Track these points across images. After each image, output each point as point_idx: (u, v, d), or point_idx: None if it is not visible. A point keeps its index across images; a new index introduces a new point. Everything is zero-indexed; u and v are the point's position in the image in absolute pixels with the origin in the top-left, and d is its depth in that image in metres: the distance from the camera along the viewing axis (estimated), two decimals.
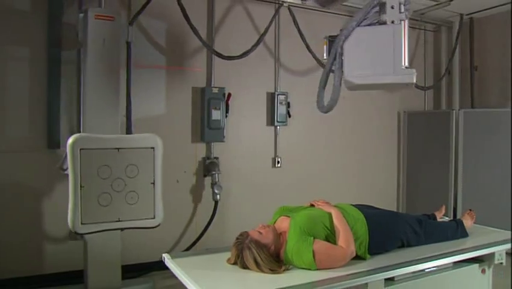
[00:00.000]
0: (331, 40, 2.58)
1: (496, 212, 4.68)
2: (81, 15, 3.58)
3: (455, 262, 2.69)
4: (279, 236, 2.46)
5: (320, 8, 5.05)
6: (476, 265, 2.79)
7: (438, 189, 5.31)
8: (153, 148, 2.92)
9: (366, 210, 2.67)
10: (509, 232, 3.06)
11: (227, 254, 2.47)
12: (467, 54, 5.86)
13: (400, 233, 2.68)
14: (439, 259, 2.54)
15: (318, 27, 5.20)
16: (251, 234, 2.40)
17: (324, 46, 2.67)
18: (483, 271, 2.81)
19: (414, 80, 2.31)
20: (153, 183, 2.92)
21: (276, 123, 5.00)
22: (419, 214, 3.07)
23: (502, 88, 5.51)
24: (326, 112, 2.57)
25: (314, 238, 2.35)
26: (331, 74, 2.59)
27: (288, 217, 2.54)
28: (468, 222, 3.06)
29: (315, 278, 2.20)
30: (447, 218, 3.39)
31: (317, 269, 2.29)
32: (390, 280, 2.41)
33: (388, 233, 2.63)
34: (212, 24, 4.66)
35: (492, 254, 2.77)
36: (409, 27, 6.11)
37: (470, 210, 3.21)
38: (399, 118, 5.96)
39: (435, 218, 3.17)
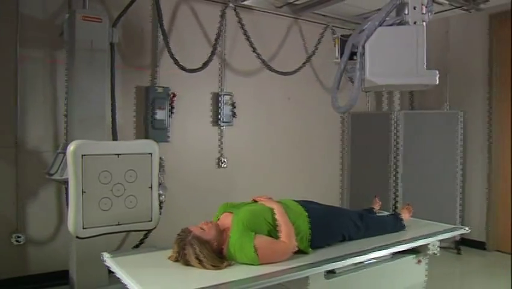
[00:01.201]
0: (344, 39, 2.53)
1: (432, 206, 4.92)
2: (67, 15, 3.63)
3: (393, 254, 2.78)
4: (222, 232, 2.45)
5: (266, 9, 5.12)
6: (412, 256, 2.90)
7: (379, 186, 5.51)
8: (150, 154, 2.95)
9: (308, 205, 2.71)
10: (442, 224, 3.20)
11: (170, 252, 2.43)
12: None
13: (341, 228, 2.73)
14: (377, 251, 2.60)
15: (263, 28, 5.25)
16: (193, 230, 2.38)
17: (336, 45, 2.61)
18: (419, 261, 2.93)
19: (437, 82, 2.32)
20: (151, 188, 2.96)
21: (221, 123, 4.98)
22: (359, 209, 3.15)
23: (439, 90, 5.76)
24: (343, 112, 2.54)
25: (256, 233, 2.35)
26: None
27: (231, 213, 2.54)
28: (406, 216, 3.17)
29: (258, 273, 2.20)
30: (386, 212, 3.50)
31: (260, 264, 2.29)
32: (330, 273, 2.46)
33: (330, 227, 2.67)
34: (160, 24, 4.55)
35: (427, 246, 2.88)
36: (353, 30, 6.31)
37: (408, 204, 3.34)
38: (342, 119, 6.09)
39: (373, 211, 3.27)
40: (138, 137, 4.47)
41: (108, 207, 2.74)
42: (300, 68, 5.34)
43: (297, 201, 2.73)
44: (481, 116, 5.36)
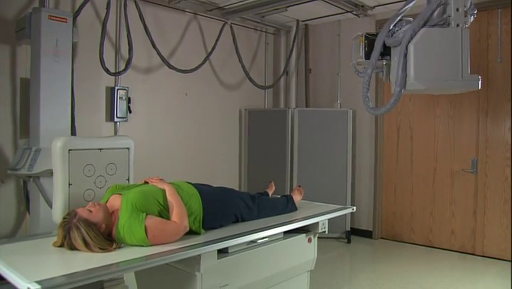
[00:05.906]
0: (371, 38, 2.37)
1: (325, 195, 5.10)
2: (30, 12, 3.65)
3: (285, 233, 2.87)
4: (110, 214, 2.36)
5: (166, 4, 5.05)
6: (303, 235, 3.01)
7: (277, 177, 5.63)
8: (128, 148, 3.17)
9: (201, 186, 2.71)
10: (331, 205, 3.37)
11: (54, 239, 2.30)
12: (302, 57, 6.37)
13: (233, 209, 2.76)
14: (269, 229, 2.66)
15: (165, 23, 5.16)
16: (80, 213, 2.27)
17: (360, 44, 2.41)
18: (309, 240, 3.04)
19: (479, 87, 2.20)
20: (128, 180, 3.14)
21: (116, 119, 4.77)
22: (253, 192, 3.21)
23: (331, 89, 6.10)
24: (379, 114, 2.41)
25: (146, 214, 2.30)
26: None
27: (121, 194, 2.45)
28: (297, 197, 3.28)
29: (147, 253, 2.15)
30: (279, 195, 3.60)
31: (150, 245, 2.24)
32: (223, 252, 2.47)
33: (222, 208, 2.69)
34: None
35: (316, 224, 3.01)
36: (252, 29, 6.41)
37: (299, 186, 3.46)
38: (240, 115, 6.18)
39: (268, 195, 3.35)
40: (22, 135, 4.07)
41: (91, 198, 2.82)
42: (199, 65, 5.30)
43: (189, 183, 2.72)
44: (368, 113, 5.73)
